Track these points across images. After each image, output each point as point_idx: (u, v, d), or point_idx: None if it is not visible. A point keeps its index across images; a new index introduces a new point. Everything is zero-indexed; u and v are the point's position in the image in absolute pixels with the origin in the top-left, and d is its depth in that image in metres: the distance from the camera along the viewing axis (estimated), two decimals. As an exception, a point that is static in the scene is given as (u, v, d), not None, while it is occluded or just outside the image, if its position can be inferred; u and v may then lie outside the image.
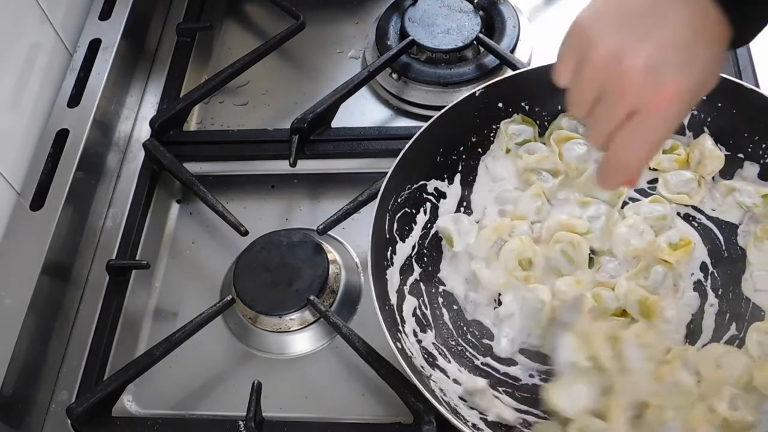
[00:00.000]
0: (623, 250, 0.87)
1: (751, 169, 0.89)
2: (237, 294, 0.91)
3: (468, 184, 0.94)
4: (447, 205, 0.92)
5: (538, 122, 0.95)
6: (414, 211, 0.90)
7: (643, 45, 0.58)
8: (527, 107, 0.95)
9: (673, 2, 0.58)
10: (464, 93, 0.92)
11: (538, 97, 0.94)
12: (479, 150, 0.95)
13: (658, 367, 0.75)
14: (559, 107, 0.95)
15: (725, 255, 0.88)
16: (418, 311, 0.85)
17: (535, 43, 1.10)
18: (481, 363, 0.84)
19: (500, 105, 0.94)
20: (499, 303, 0.87)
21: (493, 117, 0.94)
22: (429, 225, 0.91)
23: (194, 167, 1.02)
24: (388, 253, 0.86)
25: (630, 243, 0.86)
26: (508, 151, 0.94)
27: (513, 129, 0.94)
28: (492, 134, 0.95)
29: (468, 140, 0.94)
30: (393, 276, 0.85)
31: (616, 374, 0.74)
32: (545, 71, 0.91)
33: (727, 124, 0.89)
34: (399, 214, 0.88)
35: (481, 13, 1.10)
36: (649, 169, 0.91)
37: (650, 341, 0.76)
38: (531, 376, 0.83)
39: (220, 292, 0.95)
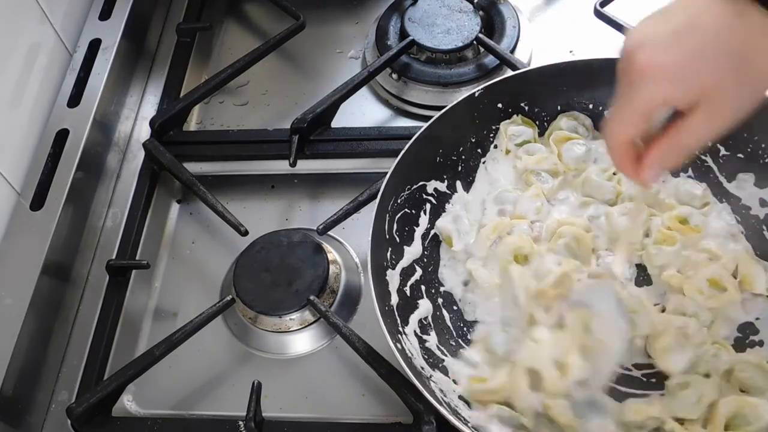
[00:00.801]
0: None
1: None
2: (237, 294, 0.91)
3: (467, 184, 0.94)
4: (450, 207, 0.92)
5: (537, 123, 0.95)
6: (414, 211, 0.90)
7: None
8: (526, 108, 0.95)
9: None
10: (464, 93, 0.92)
11: (538, 97, 0.94)
12: (479, 151, 0.95)
13: None
14: (559, 108, 0.95)
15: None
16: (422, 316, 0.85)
17: (535, 43, 1.10)
18: (482, 363, 0.84)
19: (499, 106, 0.94)
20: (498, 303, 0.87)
21: (492, 118, 0.94)
22: (429, 226, 0.91)
23: (194, 167, 1.02)
24: (388, 254, 0.85)
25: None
26: (507, 152, 0.94)
27: (512, 130, 0.94)
28: (491, 135, 0.95)
29: (467, 141, 0.94)
30: (393, 277, 0.85)
31: None
32: (544, 72, 0.93)
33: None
34: (399, 215, 0.88)
35: (481, 13, 1.10)
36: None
37: None
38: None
39: (220, 292, 0.95)
